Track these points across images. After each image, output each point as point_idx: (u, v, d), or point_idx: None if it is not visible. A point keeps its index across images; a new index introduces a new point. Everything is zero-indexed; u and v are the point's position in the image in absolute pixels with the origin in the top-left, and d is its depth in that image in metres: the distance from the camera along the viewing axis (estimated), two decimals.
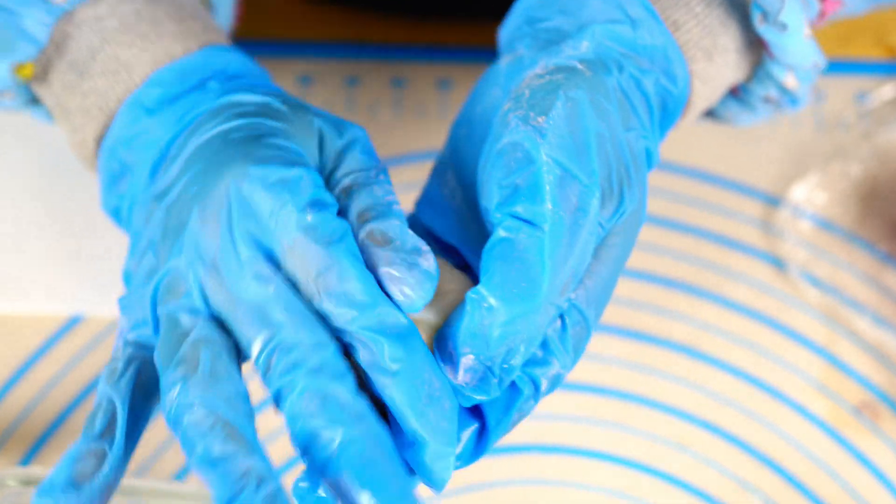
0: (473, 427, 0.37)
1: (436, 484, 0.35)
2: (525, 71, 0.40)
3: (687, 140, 0.57)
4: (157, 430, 0.53)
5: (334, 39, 0.59)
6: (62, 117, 0.44)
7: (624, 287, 0.55)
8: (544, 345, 0.37)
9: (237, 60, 0.43)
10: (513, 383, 0.37)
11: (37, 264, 0.55)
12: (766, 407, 0.54)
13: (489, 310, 0.35)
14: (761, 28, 0.42)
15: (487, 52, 0.59)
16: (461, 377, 0.35)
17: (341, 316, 0.35)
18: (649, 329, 0.55)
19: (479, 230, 0.39)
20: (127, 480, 0.47)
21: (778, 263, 0.56)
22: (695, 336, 0.55)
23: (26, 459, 0.53)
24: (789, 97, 0.45)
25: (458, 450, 0.37)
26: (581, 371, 0.54)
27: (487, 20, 0.59)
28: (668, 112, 0.42)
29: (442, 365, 0.36)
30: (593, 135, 0.37)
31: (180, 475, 0.53)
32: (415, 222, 0.43)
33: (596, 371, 0.54)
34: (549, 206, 0.35)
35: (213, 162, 0.37)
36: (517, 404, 0.37)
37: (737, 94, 0.46)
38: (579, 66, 0.38)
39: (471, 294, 0.35)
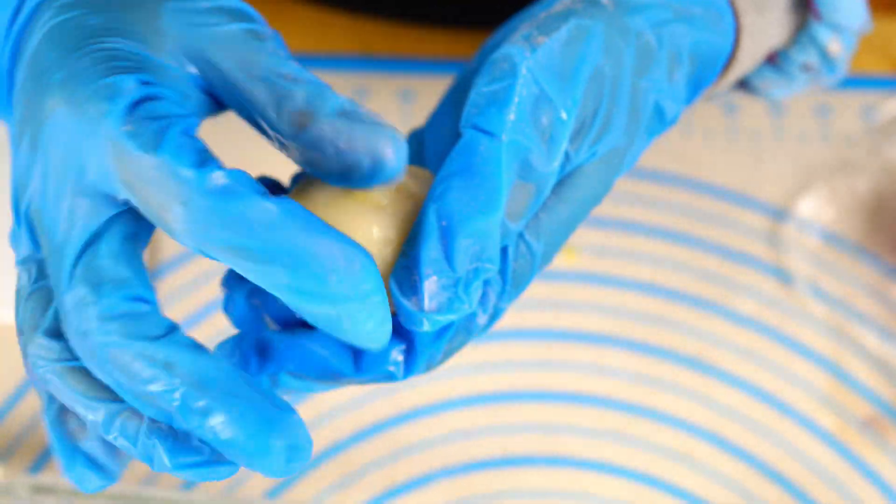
0: (400, 347, 0.34)
1: (374, 340, 0.31)
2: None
3: (693, 153, 0.57)
4: None
5: (340, 51, 0.59)
6: None
7: (629, 299, 0.55)
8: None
9: None
10: None
11: None
12: (772, 420, 0.54)
13: (448, 228, 0.32)
14: None
15: None
16: (427, 305, 0.32)
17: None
18: (655, 342, 0.55)
19: None
20: (134, 490, 0.47)
21: (784, 277, 0.56)
22: (701, 349, 0.55)
23: (35, 467, 0.53)
24: (828, 65, 0.44)
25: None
26: (587, 383, 0.54)
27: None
28: (706, 65, 0.39)
29: (404, 299, 0.32)
30: (588, 65, 0.34)
31: (188, 485, 0.53)
32: (415, 139, 0.40)
33: (602, 383, 0.55)
34: (511, 116, 0.33)
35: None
36: (447, 335, 0.34)
37: (774, 61, 0.44)
38: (604, 1, 0.36)
39: (427, 215, 0.32)
